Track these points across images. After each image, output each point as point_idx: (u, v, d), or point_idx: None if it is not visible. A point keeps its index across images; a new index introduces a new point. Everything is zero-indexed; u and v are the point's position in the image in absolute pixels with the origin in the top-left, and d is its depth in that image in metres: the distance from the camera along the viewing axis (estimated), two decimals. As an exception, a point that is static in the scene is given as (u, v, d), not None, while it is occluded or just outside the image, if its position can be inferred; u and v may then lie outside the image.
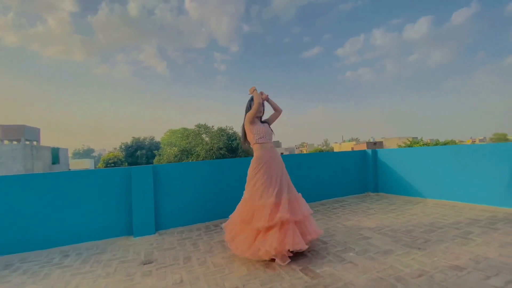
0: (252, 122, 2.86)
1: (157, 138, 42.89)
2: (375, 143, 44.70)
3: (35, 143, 24.69)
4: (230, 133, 25.31)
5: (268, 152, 2.80)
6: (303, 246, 2.47)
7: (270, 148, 2.84)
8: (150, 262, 2.70)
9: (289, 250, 2.46)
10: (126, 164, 38.16)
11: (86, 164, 39.30)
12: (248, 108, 2.95)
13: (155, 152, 29.10)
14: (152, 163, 32.62)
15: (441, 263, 2.26)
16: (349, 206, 4.63)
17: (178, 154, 23.83)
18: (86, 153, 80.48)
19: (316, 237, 2.69)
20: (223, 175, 4.19)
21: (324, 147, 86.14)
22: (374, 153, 5.76)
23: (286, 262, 2.40)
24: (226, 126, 26.92)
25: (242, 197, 2.84)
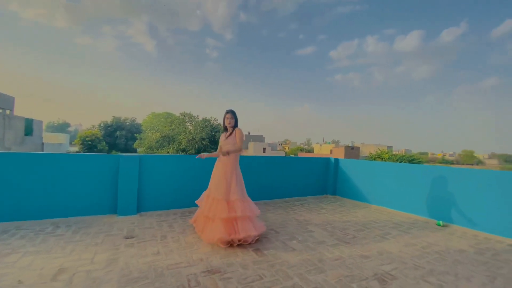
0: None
1: (139, 120, 42.19)
2: (352, 148, 46.66)
3: (8, 112, 23.73)
4: (214, 125, 25.67)
5: None
6: (255, 233, 3.22)
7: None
8: (132, 237, 3.28)
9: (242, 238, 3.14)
10: (104, 143, 37.33)
11: (61, 138, 37.97)
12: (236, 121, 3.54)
13: (136, 135, 28.81)
14: (131, 145, 32.25)
15: (356, 253, 3.04)
16: (307, 205, 5.41)
17: (159, 140, 23.90)
18: (61, 127, 77.05)
19: (262, 232, 3.36)
20: (200, 169, 4.79)
21: (306, 146, 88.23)
22: (336, 161, 6.59)
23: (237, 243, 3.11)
24: (211, 117, 27.24)
25: (212, 195, 3.37)
